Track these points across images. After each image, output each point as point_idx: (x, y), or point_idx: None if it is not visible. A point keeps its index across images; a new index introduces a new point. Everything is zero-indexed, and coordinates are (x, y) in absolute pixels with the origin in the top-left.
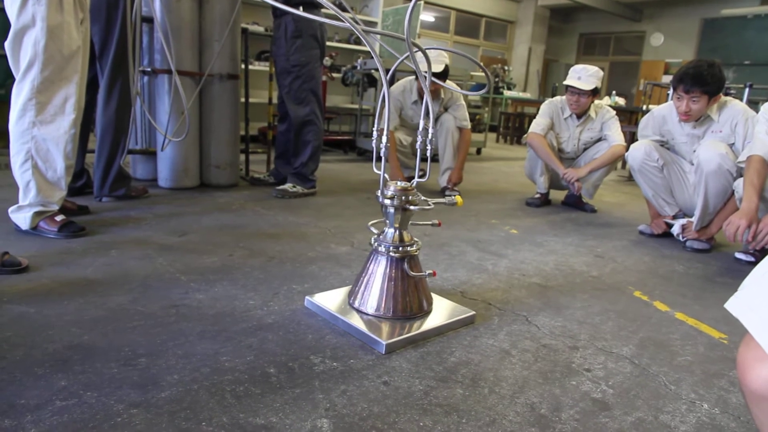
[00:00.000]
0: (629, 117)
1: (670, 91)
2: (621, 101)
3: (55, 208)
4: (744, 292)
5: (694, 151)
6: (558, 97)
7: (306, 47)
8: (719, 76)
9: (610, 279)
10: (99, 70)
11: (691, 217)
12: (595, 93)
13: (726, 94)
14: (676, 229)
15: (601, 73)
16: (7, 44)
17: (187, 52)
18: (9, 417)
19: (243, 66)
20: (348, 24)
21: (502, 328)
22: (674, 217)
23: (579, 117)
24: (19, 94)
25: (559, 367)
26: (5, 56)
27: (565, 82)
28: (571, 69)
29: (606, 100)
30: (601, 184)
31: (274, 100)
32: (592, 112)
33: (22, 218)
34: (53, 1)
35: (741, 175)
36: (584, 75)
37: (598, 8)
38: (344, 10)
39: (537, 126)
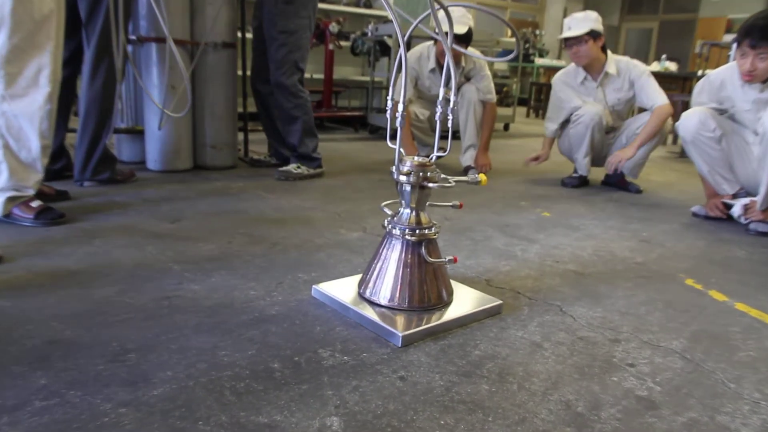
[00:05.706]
0: (682, 84)
1: (732, 52)
2: (672, 66)
3: (31, 192)
4: None
5: (759, 118)
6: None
7: (296, 14)
8: None
9: (658, 266)
10: (84, 40)
11: (754, 195)
12: (595, 36)
13: None
14: (737, 210)
15: (594, 14)
16: None
17: (177, 18)
18: None
19: (240, 34)
20: None
21: (532, 319)
22: (734, 196)
23: (594, 76)
24: None
25: (598, 361)
26: None
27: (558, 37)
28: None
29: (654, 66)
30: (646, 161)
31: None
32: (610, 69)
33: None
34: None
35: None
36: (574, 23)
37: None
38: None
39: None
